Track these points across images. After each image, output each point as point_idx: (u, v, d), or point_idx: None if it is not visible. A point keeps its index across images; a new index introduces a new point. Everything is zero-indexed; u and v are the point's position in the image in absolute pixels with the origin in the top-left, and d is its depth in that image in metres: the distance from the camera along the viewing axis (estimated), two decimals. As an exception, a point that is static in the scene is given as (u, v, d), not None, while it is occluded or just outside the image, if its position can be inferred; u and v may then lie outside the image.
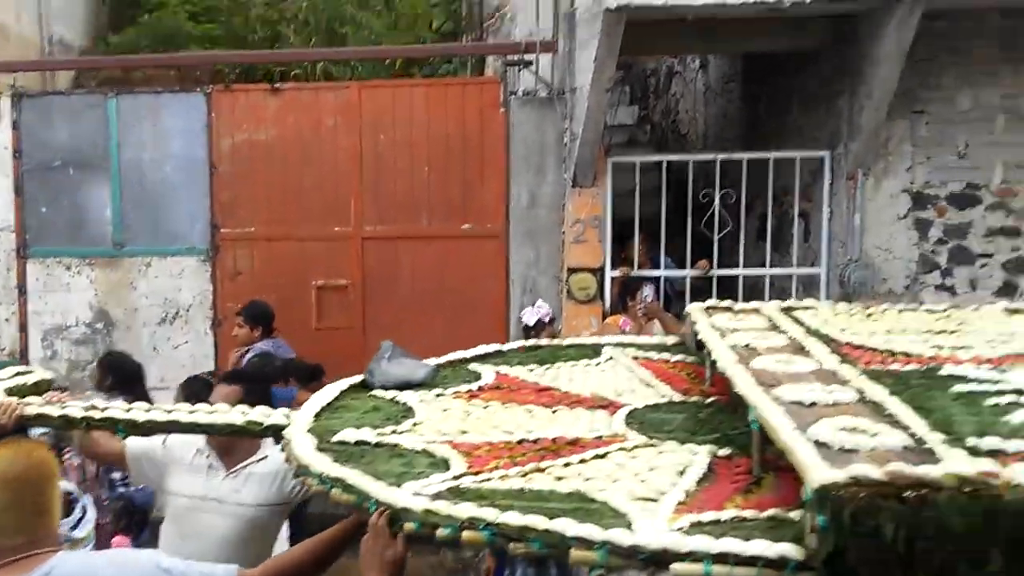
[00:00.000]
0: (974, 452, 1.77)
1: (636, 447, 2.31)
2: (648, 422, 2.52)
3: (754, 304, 3.27)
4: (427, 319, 7.54)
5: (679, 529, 1.80)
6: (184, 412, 2.93)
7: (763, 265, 7.42)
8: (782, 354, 2.54)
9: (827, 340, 2.84)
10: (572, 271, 7.33)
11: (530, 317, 6.13)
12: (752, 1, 5.81)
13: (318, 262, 7.76)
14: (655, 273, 7.26)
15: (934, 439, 1.81)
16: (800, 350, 2.59)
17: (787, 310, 3.20)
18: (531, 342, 3.49)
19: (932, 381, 2.46)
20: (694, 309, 3.17)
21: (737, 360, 2.46)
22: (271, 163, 7.71)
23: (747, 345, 2.65)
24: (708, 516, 1.86)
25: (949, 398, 2.30)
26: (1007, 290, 6.89)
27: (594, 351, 3.31)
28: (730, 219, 7.14)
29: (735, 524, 1.83)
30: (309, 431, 2.50)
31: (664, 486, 2.02)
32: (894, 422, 1.93)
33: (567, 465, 2.18)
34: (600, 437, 2.39)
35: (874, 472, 1.56)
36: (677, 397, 2.78)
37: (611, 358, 3.23)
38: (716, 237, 7.12)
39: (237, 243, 7.82)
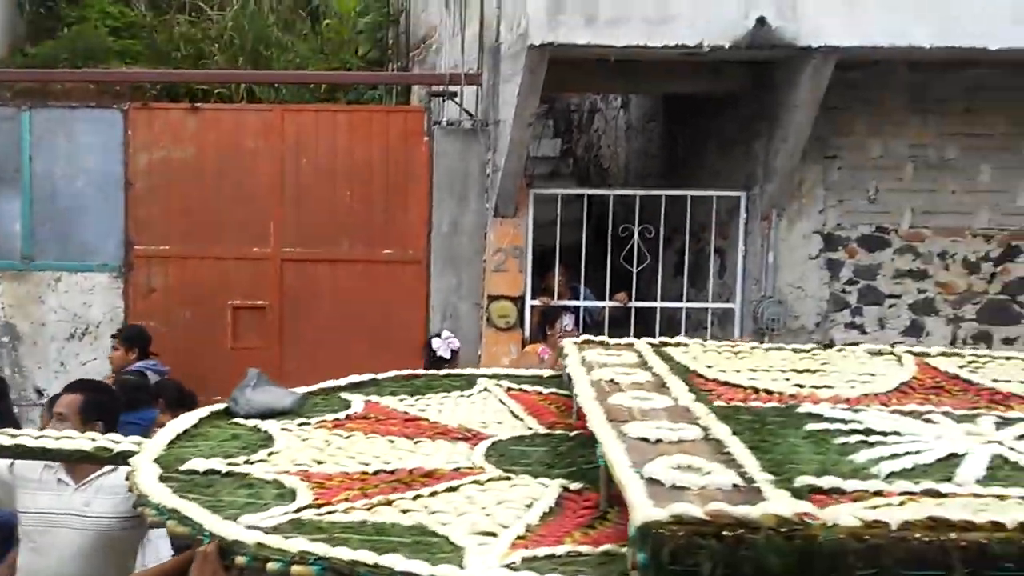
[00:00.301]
0: (798, 493, 1.80)
1: (490, 480, 2.33)
2: (508, 455, 2.55)
3: (628, 340, 3.33)
4: (346, 342, 7.48)
5: (510, 565, 1.80)
6: (30, 437, 2.89)
7: (680, 298, 7.55)
8: (642, 391, 2.58)
9: (696, 376, 2.91)
10: (492, 299, 7.37)
11: (445, 350, 6.08)
12: (672, 45, 5.95)
13: (235, 282, 7.66)
14: (574, 303, 7.33)
15: (763, 479, 1.84)
16: (661, 387, 2.64)
17: (659, 346, 3.27)
18: (407, 372, 3.48)
19: (788, 419, 2.53)
20: (567, 344, 3.21)
21: (595, 395, 2.49)
22: (189, 182, 7.60)
23: (612, 380, 2.69)
24: (543, 551, 1.87)
25: (800, 436, 2.36)
26: (914, 330, 7.12)
27: (468, 382, 3.34)
28: (648, 254, 7.25)
29: (568, 559, 1.85)
30: (157, 460, 2.48)
31: (508, 520, 2.03)
32: (729, 461, 1.97)
33: (417, 498, 2.19)
34: (457, 469, 2.41)
35: (696, 511, 1.58)
36: (542, 430, 2.81)
37: (485, 390, 3.26)
38: (635, 270, 7.22)
39: (151, 260, 7.68)
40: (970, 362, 3.28)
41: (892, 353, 3.34)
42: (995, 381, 3.05)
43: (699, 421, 2.26)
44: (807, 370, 3.12)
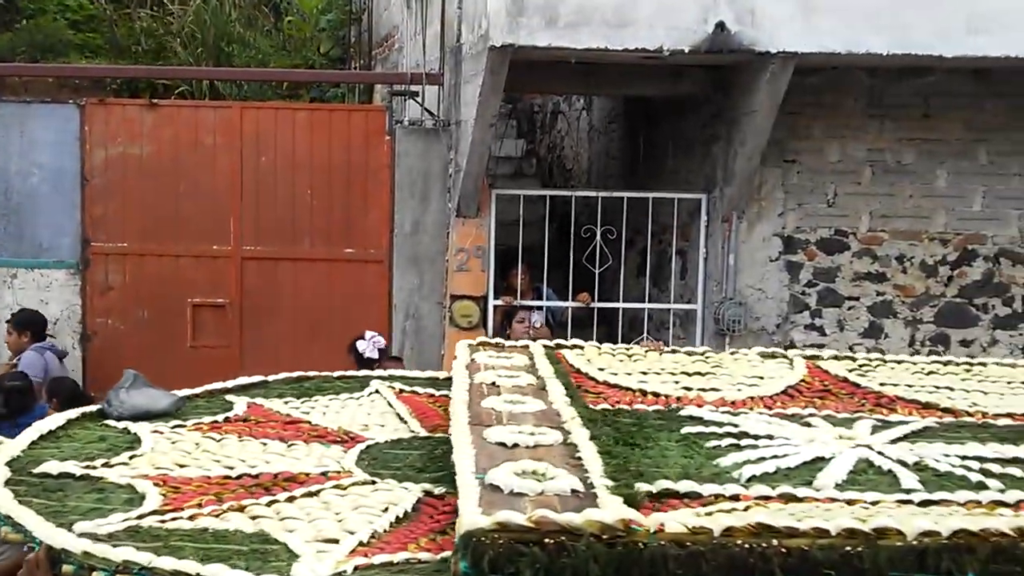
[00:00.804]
0: (632, 499, 1.81)
1: (353, 484, 2.32)
2: (381, 459, 2.54)
3: (525, 342, 3.35)
4: (307, 341, 7.45)
5: (340, 573, 1.80)
6: None
7: (643, 299, 7.59)
8: (518, 394, 2.59)
9: (587, 378, 2.97)
10: (455, 298, 7.35)
11: (372, 350, 6.03)
12: (632, 48, 5.96)
13: (195, 280, 7.60)
14: (537, 303, 7.34)
15: (603, 484, 1.85)
16: (540, 390, 2.65)
17: (554, 349, 3.30)
18: (298, 373, 3.45)
19: (668, 421, 2.58)
20: (460, 345, 3.22)
21: (467, 399, 2.50)
22: (146, 178, 7.53)
23: (493, 383, 2.70)
24: (380, 558, 1.86)
25: (674, 439, 2.41)
26: (872, 332, 7.20)
27: (361, 384, 3.32)
28: (610, 255, 7.28)
29: (404, 567, 1.84)
30: (11, 462, 2.43)
31: (357, 526, 2.02)
32: (577, 466, 1.97)
33: (272, 503, 2.17)
34: (324, 473, 2.39)
35: (519, 518, 1.58)
36: (423, 433, 2.81)
37: (376, 392, 3.24)
38: (598, 271, 7.24)
39: (109, 258, 7.60)
40: (861, 365, 3.34)
41: (784, 356, 3.41)
42: (882, 384, 3.12)
43: (564, 425, 2.27)
44: (697, 373, 3.18)
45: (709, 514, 1.74)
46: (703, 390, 2.97)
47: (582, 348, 3.35)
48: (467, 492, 1.78)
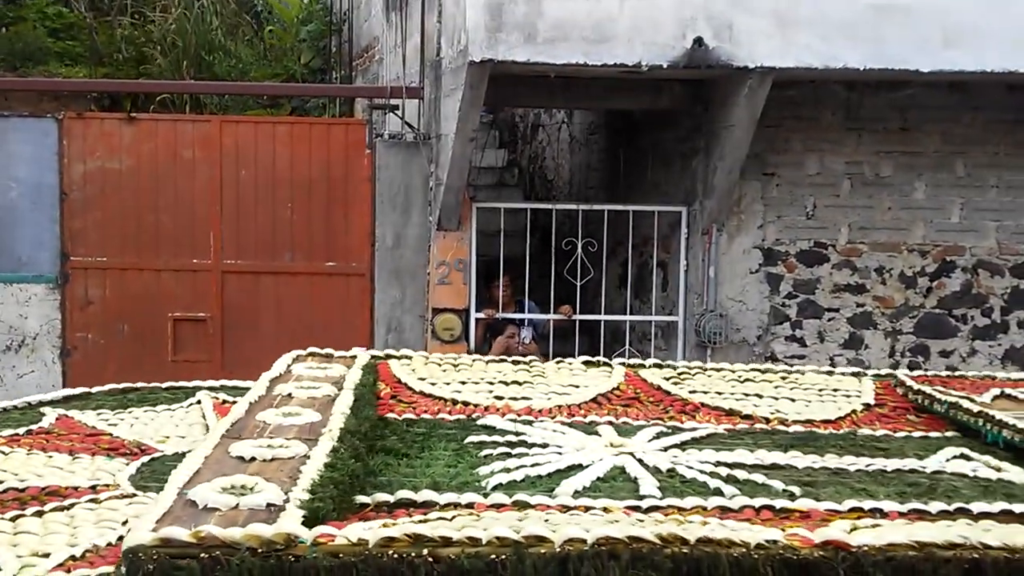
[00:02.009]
0: (316, 511, 1.82)
1: (111, 498, 2.30)
2: (158, 471, 2.51)
3: (354, 351, 3.33)
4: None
5: None
6: None
7: (625, 310, 7.61)
8: (303, 406, 2.59)
9: (405, 388, 3.02)
10: (437, 312, 7.35)
11: None
12: (611, 63, 5.98)
13: (175, 294, 7.58)
14: (520, 316, 7.35)
15: (297, 498, 1.86)
16: (330, 403, 2.64)
17: (383, 358, 3.32)
18: (124, 385, 3.40)
19: (459, 431, 2.64)
20: (284, 358, 3.19)
21: (243, 411, 2.49)
22: (126, 192, 7.50)
23: (288, 394, 2.70)
24: (79, 572, 1.85)
25: (451, 449, 2.48)
26: (852, 343, 7.23)
27: (187, 394, 3.29)
28: (591, 267, 7.29)
29: None
30: None
31: (83, 541, 2.00)
32: (291, 480, 1.98)
33: (16, 518, 2.14)
34: (94, 487, 2.37)
35: (183, 533, 1.60)
36: None
37: (197, 402, 3.22)
38: (579, 283, 7.25)
39: (88, 272, 7.57)
40: (680, 374, 3.39)
41: (607, 364, 3.44)
42: (692, 392, 3.18)
43: (320, 437, 2.27)
44: (515, 382, 3.23)
45: (425, 522, 1.78)
46: (514, 399, 3.03)
47: (410, 358, 3.38)
48: (156, 507, 1.78)
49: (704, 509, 2.05)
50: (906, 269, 7.19)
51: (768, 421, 2.96)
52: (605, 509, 2.03)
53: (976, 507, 2.14)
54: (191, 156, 7.49)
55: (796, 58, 6.11)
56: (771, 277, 7.19)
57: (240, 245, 7.55)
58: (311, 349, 3.28)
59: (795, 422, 2.94)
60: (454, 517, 1.88)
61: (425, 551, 1.61)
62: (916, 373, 3.53)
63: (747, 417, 2.98)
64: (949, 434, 2.95)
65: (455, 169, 6.75)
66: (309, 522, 1.68)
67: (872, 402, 3.20)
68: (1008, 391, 3.26)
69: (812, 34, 6.06)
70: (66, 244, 7.52)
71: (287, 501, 1.82)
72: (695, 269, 7.20)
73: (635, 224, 7.29)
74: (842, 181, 7.08)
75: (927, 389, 3.20)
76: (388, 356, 3.36)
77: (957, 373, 3.64)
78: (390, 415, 2.83)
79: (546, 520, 1.84)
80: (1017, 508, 2.15)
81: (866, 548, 1.69)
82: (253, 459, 2.09)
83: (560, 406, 2.98)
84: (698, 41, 5.98)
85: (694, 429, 2.80)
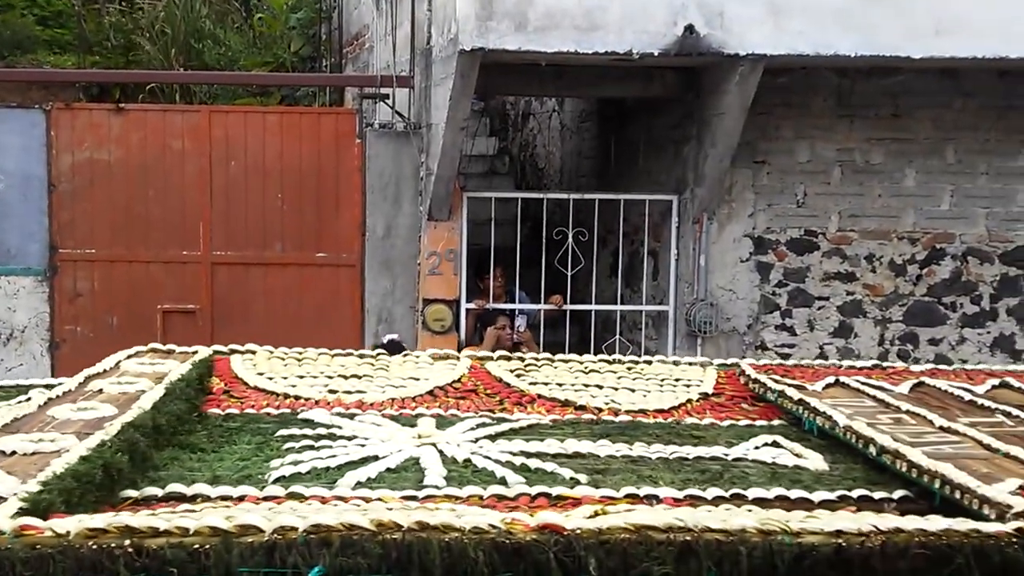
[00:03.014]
0: (37, 505, 1.83)
1: None
2: None
3: (195, 348, 3.39)
4: (279, 346, 7.39)
5: None
6: None
7: (616, 299, 7.60)
8: (104, 401, 2.62)
9: (240, 383, 3.08)
10: (428, 302, 7.33)
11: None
12: (602, 52, 5.95)
13: (165, 286, 7.56)
14: (510, 307, 7.33)
15: (24, 491, 1.87)
16: (134, 398, 2.68)
17: (226, 353, 3.37)
18: None
19: (276, 425, 2.74)
20: (119, 353, 3.26)
21: (37, 404, 2.52)
22: (114, 183, 7.46)
23: (99, 390, 2.74)
24: None
25: (255, 443, 2.57)
26: (843, 331, 7.24)
27: (19, 391, 3.26)
28: (582, 256, 7.27)
29: None
30: None
31: None
32: (32, 474, 2.00)
33: None
34: None
35: None
36: None
37: (28, 399, 3.19)
38: (570, 273, 7.23)
39: (77, 264, 7.55)
40: (526, 366, 3.48)
41: (455, 358, 3.52)
42: (533, 384, 3.30)
43: (98, 432, 2.30)
44: (355, 376, 3.31)
45: (157, 515, 1.81)
46: (348, 392, 3.11)
47: (254, 353, 3.42)
48: None
49: (480, 498, 2.14)
50: (896, 257, 7.19)
51: (600, 411, 3.07)
52: (380, 499, 2.09)
53: (752, 492, 2.25)
54: (180, 147, 7.45)
55: (787, 45, 6.09)
56: (761, 266, 7.18)
57: (230, 236, 7.52)
58: (152, 345, 3.35)
59: (627, 412, 3.06)
60: (203, 509, 1.92)
61: (127, 542, 1.63)
62: (762, 362, 3.61)
63: (580, 408, 3.09)
64: (776, 422, 3.05)
65: (446, 159, 6.72)
66: (33, 514, 1.71)
67: (711, 391, 3.33)
68: (843, 379, 3.35)
69: (804, 21, 6.04)
70: (55, 236, 7.49)
71: (15, 494, 1.84)
72: (686, 258, 7.19)
73: (626, 213, 7.27)
74: (833, 168, 7.07)
75: (762, 378, 3.30)
76: (232, 352, 3.41)
77: (814, 361, 3.79)
78: (213, 410, 2.91)
79: (291, 510, 1.86)
80: (794, 494, 2.26)
81: (579, 531, 1.74)
82: (14, 453, 2.14)
83: (393, 399, 3.06)
84: (689, 29, 5.96)
85: (517, 420, 2.92)
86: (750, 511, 2.02)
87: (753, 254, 7.15)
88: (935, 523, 1.89)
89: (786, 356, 7.08)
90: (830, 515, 1.99)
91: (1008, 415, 2.92)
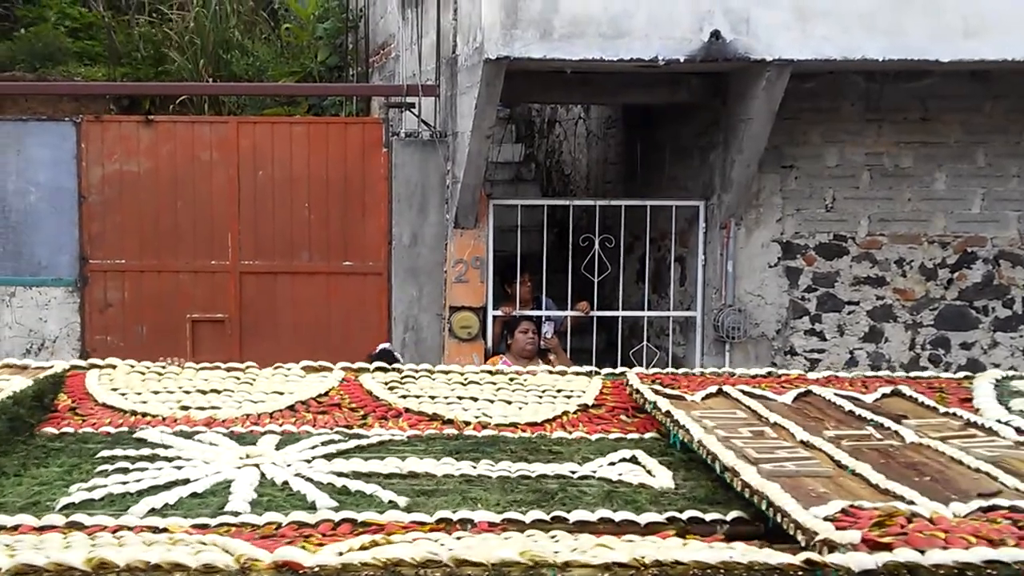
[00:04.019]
0: None
1: None
2: None
3: (52, 362, 3.39)
4: (307, 355, 7.21)
5: None
6: None
7: (642, 305, 7.57)
8: None
9: (91, 401, 3.05)
10: (454, 310, 7.34)
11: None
12: (628, 59, 5.93)
13: (194, 295, 7.61)
14: (537, 313, 7.32)
15: None
16: None
17: (85, 368, 3.36)
18: None
19: (105, 446, 2.70)
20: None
21: None
22: (144, 195, 7.53)
23: None
24: None
25: (68, 464, 2.55)
26: (873, 336, 7.18)
27: None
28: (608, 263, 7.26)
29: None
30: None
31: None
32: None
33: None
34: None
35: None
36: None
37: None
38: (596, 280, 7.22)
39: (107, 275, 7.61)
40: (403, 378, 3.43)
41: (327, 369, 3.46)
42: (404, 397, 3.25)
43: None
44: (214, 391, 3.25)
45: None
46: (201, 408, 3.07)
47: (114, 367, 3.39)
48: None
49: (279, 525, 2.12)
50: (927, 261, 7.12)
51: (467, 425, 3.03)
52: (166, 529, 2.08)
53: (575, 515, 2.23)
54: (208, 157, 7.51)
55: (814, 50, 6.05)
56: (790, 271, 7.14)
57: (258, 245, 7.57)
58: (6, 361, 3.33)
59: (497, 425, 3.02)
60: None
61: None
62: (652, 371, 3.55)
63: (448, 422, 3.05)
64: (648, 436, 3.02)
65: (472, 167, 6.73)
66: None
67: (591, 403, 3.28)
68: (726, 388, 3.29)
69: (831, 26, 5.99)
70: (85, 247, 7.56)
71: None
72: (713, 264, 7.16)
73: (653, 219, 7.25)
74: (862, 173, 7.02)
75: (643, 388, 3.23)
76: (92, 366, 3.38)
77: (709, 370, 3.66)
78: (47, 429, 2.88)
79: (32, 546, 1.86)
80: (620, 516, 2.23)
81: (319, 569, 1.72)
82: None
83: (248, 415, 3.02)
84: (715, 35, 5.94)
85: (370, 437, 2.88)
86: (554, 538, 2.01)
87: (781, 259, 7.11)
88: (717, 553, 1.85)
89: (816, 361, 7.03)
90: (621, 543, 1.95)
91: (880, 427, 2.88)
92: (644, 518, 2.24)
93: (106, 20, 11.28)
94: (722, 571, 1.79)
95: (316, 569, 1.72)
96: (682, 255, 7.44)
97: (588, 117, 9.35)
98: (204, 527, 2.11)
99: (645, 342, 7.38)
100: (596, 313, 7.31)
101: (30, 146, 7.50)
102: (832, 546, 1.89)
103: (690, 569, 1.79)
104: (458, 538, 2.01)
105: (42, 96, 8.66)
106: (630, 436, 3.02)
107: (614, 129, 8.88)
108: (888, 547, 1.89)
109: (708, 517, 2.28)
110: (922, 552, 1.87)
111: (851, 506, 2.11)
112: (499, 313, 7.28)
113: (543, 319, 7.20)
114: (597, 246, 7.20)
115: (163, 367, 3.40)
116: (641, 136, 8.22)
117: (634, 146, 8.34)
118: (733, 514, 2.29)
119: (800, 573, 1.80)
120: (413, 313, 7.51)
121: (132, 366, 3.39)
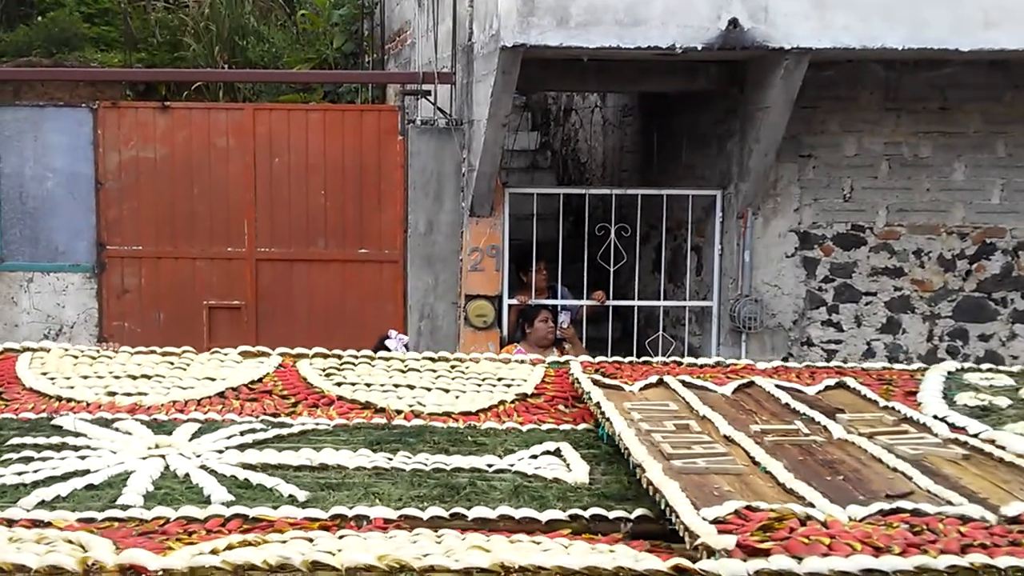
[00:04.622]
0: None
1: None
2: None
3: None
4: (323, 342, 7.27)
5: None
6: None
7: (659, 295, 7.55)
8: None
9: (16, 384, 3.05)
10: (470, 298, 7.33)
11: (399, 348, 6.04)
12: (645, 46, 5.90)
13: (210, 282, 7.63)
14: (552, 302, 7.30)
15: None
16: None
17: (19, 351, 3.35)
18: None
19: (17, 433, 2.68)
20: None
21: None
22: (160, 181, 7.55)
23: None
24: None
25: None
26: (890, 327, 7.14)
27: None
28: (624, 252, 7.23)
29: None
30: None
31: None
32: None
33: None
34: None
35: None
36: None
37: None
38: (612, 269, 7.20)
39: (124, 261, 7.64)
40: (342, 364, 3.40)
41: (264, 354, 3.43)
42: (339, 384, 3.20)
43: None
44: (146, 376, 3.23)
45: None
46: (128, 394, 3.04)
47: (47, 351, 3.37)
48: None
49: (167, 520, 2.11)
50: (945, 252, 7.07)
51: (399, 413, 3.01)
52: (50, 523, 2.06)
53: (475, 512, 2.21)
54: (225, 144, 7.52)
55: (833, 39, 6.00)
56: (807, 261, 7.10)
57: (274, 233, 7.58)
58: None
59: (430, 414, 3.00)
60: None
61: None
62: (598, 360, 3.49)
63: (380, 410, 3.03)
64: (581, 427, 3.00)
65: (487, 155, 6.71)
66: None
67: (531, 392, 3.25)
68: (667, 379, 3.26)
69: (849, 14, 5.94)
70: (102, 233, 7.59)
71: None
72: (730, 253, 7.13)
73: (669, 208, 7.22)
74: (880, 162, 6.96)
75: (581, 377, 3.20)
76: (26, 349, 3.37)
77: (657, 359, 3.65)
78: None
79: None
80: (521, 513, 2.21)
81: (162, 572, 1.72)
82: None
83: (175, 402, 3.00)
84: (733, 23, 5.89)
85: (294, 426, 2.85)
86: (440, 537, 1.99)
87: (799, 249, 7.07)
88: (580, 559, 1.82)
89: (833, 352, 7.00)
90: (501, 546, 1.95)
91: (811, 421, 2.85)
92: (546, 515, 2.22)
93: (122, 6, 11.32)
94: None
95: (160, 572, 1.72)
96: (698, 244, 7.41)
97: (604, 105, 9.31)
98: (90, 521, 2.09)
99: (661, 332, 7.36)
100: (612, 302, 7.29)
101: (47, 132, 7.52)
102: (711, 551, 1.86)
103: (552, 574, 1.77)
104: (340, 537, 2.01)
105: (59, 82, 8.68)
106: (563, 427, 2.99)
107: (630, 117, 8.84)
108: (767, 553, 1.85)
109: (612, 515, 2.25)
110: (799, 560, 1.82)
111: (747, 507, 2.07)
112: (515, 302, 7.27)
113: (559, 309, 7.19)
114: (613, 235, 7.18)
115: (97, 351, 3.38)
116: (658, 124, 8.17)
117: (651, 134, 8.30)
118: (639, 512, 2.26)
119: None
120: (429, 301, 7.51)
121: (66, 349, 3.38)
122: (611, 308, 7.30)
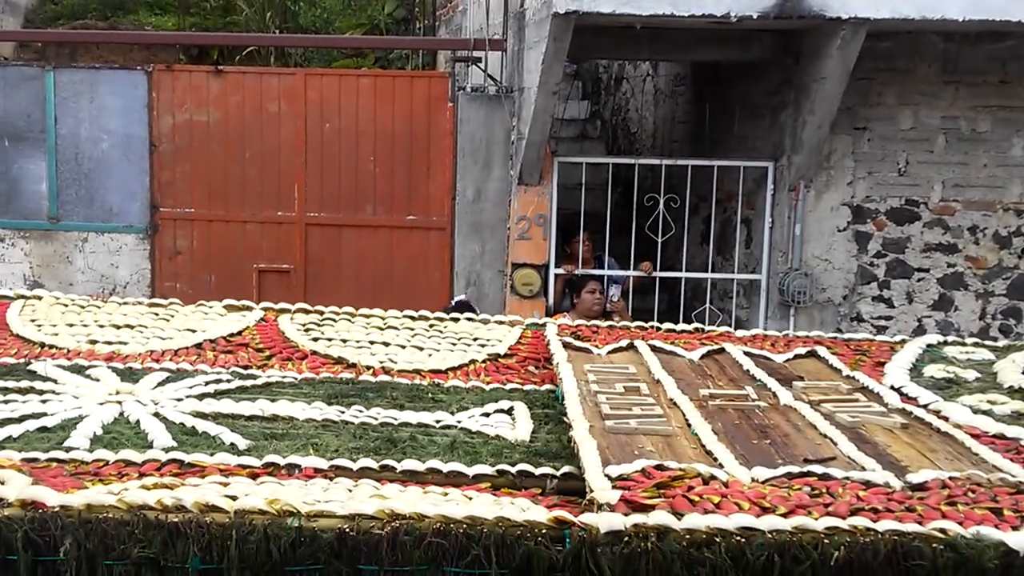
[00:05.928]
0: None
1: None
2: None
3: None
4: (370, 306, 7.40)
5: None
6: None
7: (706, 267, 7.50)
8: None
9: (9, 333, 3.11)
10: (516, 267, 7.34)
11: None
12: (700, 14, 5.82)
13: (260, 245, 7.72)
14: (599, 272, 7.28)
15: None
16: None
17: (12, 298, 3.42)
18: None
19: (7, 375, 2.76)
20: None
21: None
22: (213, 144, 7.63)
23: None
24: None
25: None
26: (943, 304, 7.03)
27: None
28: (673, 223, 7.18)
29: None
30: None
31: None
32: None
33: None
34: None
35: None
36: None
37: None
38: (660, 240, 7.16)
39: (176, 223, 7.75)
40: (323, 320, 3.43)
41: (247, 308, 3.49)
42: (316, 339, 3.25)
43: None
44: (129, 325, 3.28)
45: None
46: (108, 343, 3.10)
47: (39, 299, 3.43)
48: None
49: (106, 462, 2.18)
50: (1001, 228, 6.93)
51: (368, 369, 3.06)
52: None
53: (404, 465, 2.25)
54: (276, 109, 7.57)
55: (892, 9, 5.88)
56: (859, 235, 7.00)
57: (323, 198, 7.64)
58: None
59: (400, 371, 3.05)
60: None
61: None
62: (577, 323, 3.52)
63: (352, 366, 3.07)
64: (545, 387, 3.03)
65: (537, 123, 6.68)
66: None
67: (503, 352, 3.29)
68: (637, 343, 3.30)
69: (910, -16, 5.81)
70: (155, 195, 7.70)
71: None
72: (780, 226, 7.05)
73: (719, 179, 7.15)
74: (937, 136, 6.83)
75: (552, 339, 3.24)
76: (19, 296, 3.45)
77: (635, 324, 3.69)
78: None
79: None
80: (449, 467, 2.25)
81: (59, 509, 1.76)
82: None
83: (152, 351, 3.06)
84: (790, -9, 5.79)
85: (259, 379, 2.91)
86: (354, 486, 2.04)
87: (851, 223, 6.97)
88: (463, 508, 1.86)
89: (883, 328, 6.91)
90: (408, 495, 1.99)
91: (763, 387, 2.90)
92: (474, 470, 2.26)
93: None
94: (465, 525, 1.81)
95: (58, 508, 1.76)
96: (748, 217, 7.34)
97: (656, 74, 9.21)
98: (33, 461, 2.15)
99: (708, 304, 7.31)
100: (659, 274, 7.26)
101: (103, 94, 7.62)
102: (600, 505, 1.91)
103: (435, 523, 1.82)
104: (260, 483, 2.05)
105: (113, 44, 8.78)
106: (527, 387, 3.02)
107: (682, 87, 8.74)
108: (650, 508, 1.89)
109: (539, 471, 2.30)
110: (680, 516, 1.86)
111: (655, 467, 2.12)
112: (561, 271, 7.27)
113: (610, 281, 7.16)
114: (662, 206, 7.13)
115: (87, 300, 3.44)
116: (710, 94, 8.08)
117: (702, 105, 8.21)
118: (566, 469, 2.30)
119: (547, 531, 1.81)
120: (475, 268, 7.53)
121: (56, 298, 3.45)
122: (658, 279, 7.27)
